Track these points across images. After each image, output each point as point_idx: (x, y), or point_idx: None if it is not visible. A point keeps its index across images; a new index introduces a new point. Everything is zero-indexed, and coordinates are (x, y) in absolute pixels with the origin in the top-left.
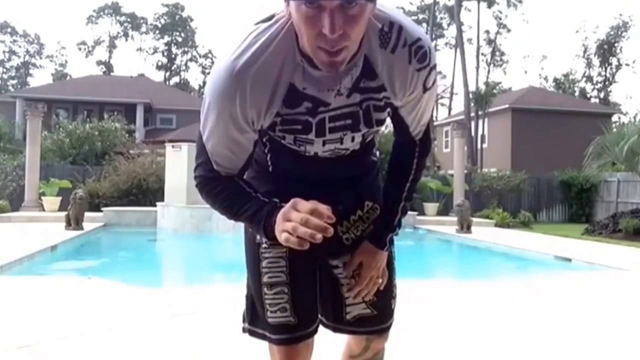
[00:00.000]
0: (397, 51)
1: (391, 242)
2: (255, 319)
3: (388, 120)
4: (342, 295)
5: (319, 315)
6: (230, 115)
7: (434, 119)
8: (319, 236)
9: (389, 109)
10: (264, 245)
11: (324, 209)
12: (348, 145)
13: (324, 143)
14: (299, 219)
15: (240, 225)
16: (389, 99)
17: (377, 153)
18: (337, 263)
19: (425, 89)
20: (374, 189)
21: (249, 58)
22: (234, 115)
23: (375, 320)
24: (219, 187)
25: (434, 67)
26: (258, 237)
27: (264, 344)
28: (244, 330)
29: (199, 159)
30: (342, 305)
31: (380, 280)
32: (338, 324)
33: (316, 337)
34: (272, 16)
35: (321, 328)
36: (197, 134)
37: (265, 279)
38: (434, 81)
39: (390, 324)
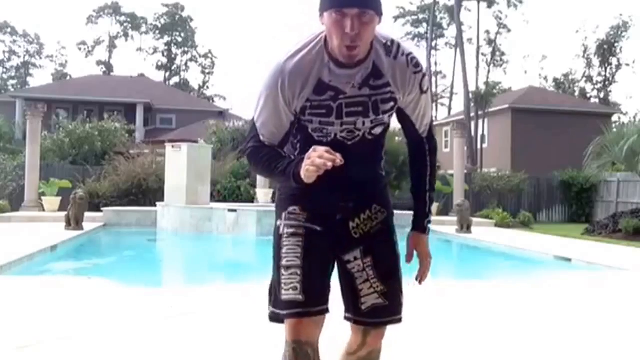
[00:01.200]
0: (398, 58)
1: (429, 225)
2: (275, 302)
3: (393, 122)
4: (357, 288)
5: (345, 312)
6: (275, 97)
7: (434, 119)
8: (330, 164)
9: (393, 103)
10: (284, 236)
11: (332, 152)
12: (360, 127)
13: (341, 124)
14: (316, 155)
15: (239, 226)
16: (393, 94)
17: (384, 172)
18: (349, 258)
19: (422, 91)
20: (382, 197)
21: (290, 58)
22: (277, 98)
23: (387, 311)
24: (263, 153)
25: (426, 74)
26: (290, 184)
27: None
28: (269, 316)
29: (250, 135)
30: (358, 297)
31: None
32: (357, 316)
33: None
34: (318, 33)
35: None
36: (251, 119)
37: (283, 262)
38: (428, 87)
39: (399, 319)
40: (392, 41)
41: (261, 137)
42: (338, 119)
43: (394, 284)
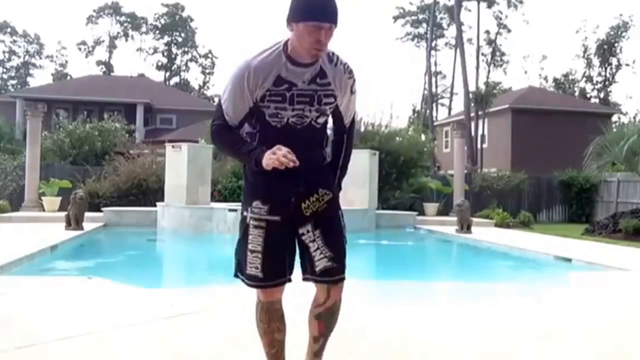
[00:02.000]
0: (338, 66)
1: (340, 186)
2: (240, 270)
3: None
4: (311, 254)
5: (302, 274)
6: (241, 86)
7: (434, 118)
8: (291, 164)
9: (333, 99)
10: (251, 227)
11: (292, 154)
12: (307, 114)
13: (293, 109)
14: (281, 153)
15: (237, 226)
16: (333, 92)
17: (327, 154)
18: (303, 231)
19: (352, 93)
20: (327, 181)
21: (255, 58)
22: (242, 86)
23: (336, 271)
24: (228, 132)
25: (356, 79)
26: (249, 166)
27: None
28: (234, 275)
29: (216, 116)
30: (313, 261)
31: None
32: (313, 275)
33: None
34: (278, 41)
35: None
36: (217, 102)
37: (249, 246)
38: (356, 90)
39: (345, 277)
40: (333, 52)
41: (226, 117)
42: (290, 105)
43: (340, 251)
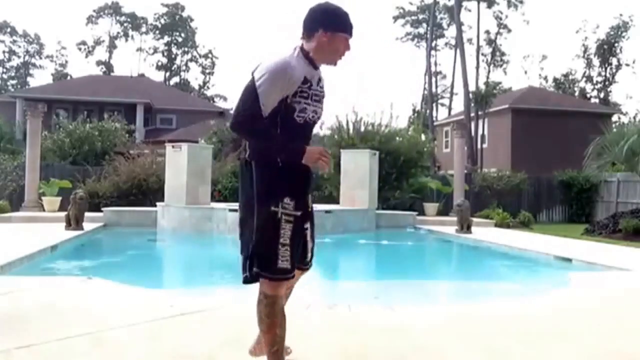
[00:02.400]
0: (321, 75)
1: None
2: (266, 266)
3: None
4: (307, 245)
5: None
6: (281, 79)
7: (434, 118)
8: (326, 167)
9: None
10: (282, 221)
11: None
12: (319, 111)
13: (313, 106)
14: (324, 153)
15: (237, 226)
16: (324, 95)
17: None
18: (307, 226)
19: None
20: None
21: (291, 57)
22: (282, 80)
23: (312, 261)
24: (261, 120)
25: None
26: (285, 157)
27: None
28: (251, 278)
29: (246, 106)
30: (306, 252)
31: None
32: (303, 265)
33: None
34: (294, 47)
35: None
36: (245, 91)
37: (280, 240)
38: None
39: None
40: None
41: (261, 105)
42: (312, 102)
43: (314, 243)
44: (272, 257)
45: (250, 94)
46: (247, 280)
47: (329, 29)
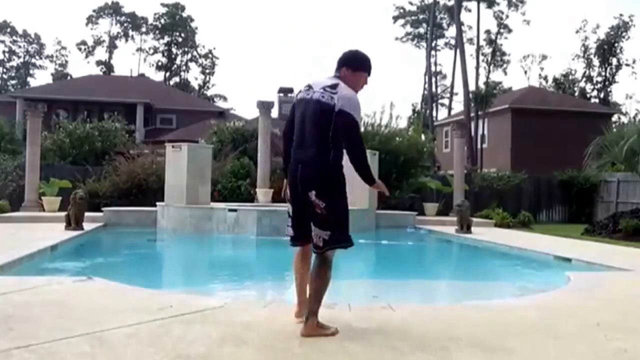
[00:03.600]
0: None
1: None
2: (347, 237)
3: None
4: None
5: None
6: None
7: (434, 118)
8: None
9: None
10: (349, 210)
11: None
12: None
13: None
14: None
15: (239, 226)
16: None
17: None
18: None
19: None
20: None
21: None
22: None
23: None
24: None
25: None
26: (370, 177)
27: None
28: (348, 243)
29: (359, 134)
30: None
31: None
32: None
33: None
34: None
35: None
36: (355, 127)
37: (347, 221)
38: None
39: None
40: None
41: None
42: None
43: None
44: (346, 230)
45: (359, 129)
46: (319, 252)
47: (363, 70)
